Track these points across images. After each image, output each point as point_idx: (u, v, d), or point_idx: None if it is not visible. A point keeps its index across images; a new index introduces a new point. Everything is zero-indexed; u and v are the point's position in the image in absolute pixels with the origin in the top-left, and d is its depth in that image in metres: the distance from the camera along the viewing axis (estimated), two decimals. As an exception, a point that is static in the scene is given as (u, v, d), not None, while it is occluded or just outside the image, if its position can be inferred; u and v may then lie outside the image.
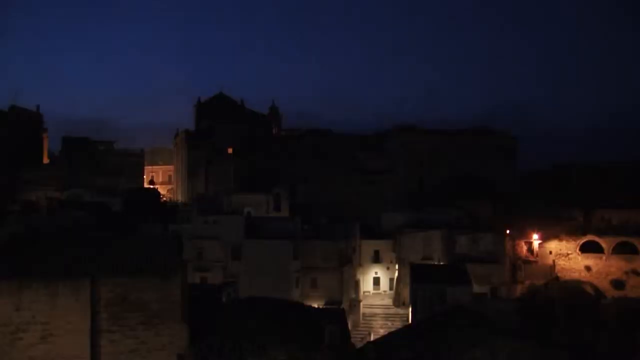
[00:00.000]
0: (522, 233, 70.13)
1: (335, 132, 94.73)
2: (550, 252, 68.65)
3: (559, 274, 66.95)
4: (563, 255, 68.05)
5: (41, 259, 23.64)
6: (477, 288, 53.72)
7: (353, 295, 60.97)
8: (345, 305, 52.96)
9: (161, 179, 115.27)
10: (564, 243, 68.39)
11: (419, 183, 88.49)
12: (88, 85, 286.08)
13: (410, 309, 53.76)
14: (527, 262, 68.25)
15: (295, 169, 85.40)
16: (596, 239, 67.57)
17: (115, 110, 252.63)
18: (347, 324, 27.13)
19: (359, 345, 27.25)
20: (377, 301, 63.74)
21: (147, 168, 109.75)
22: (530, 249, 69.70)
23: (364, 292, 65.89)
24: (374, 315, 60.15)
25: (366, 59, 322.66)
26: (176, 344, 22.66)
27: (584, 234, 69.21)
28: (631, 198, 73.37)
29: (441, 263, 60.53)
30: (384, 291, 66.37)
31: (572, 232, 70.16)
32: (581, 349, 32.37)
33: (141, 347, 22.81)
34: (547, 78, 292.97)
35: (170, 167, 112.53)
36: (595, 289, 63.62)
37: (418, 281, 51.48)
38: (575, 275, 66.41)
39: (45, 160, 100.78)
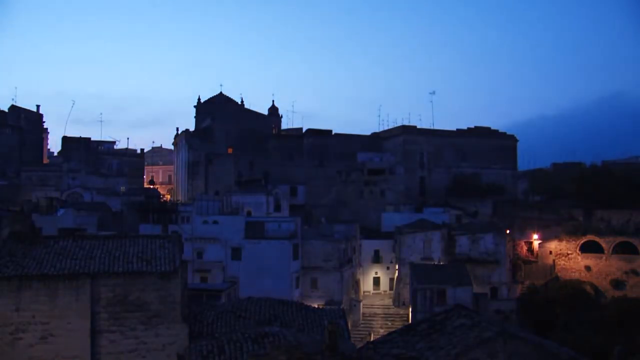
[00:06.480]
0: (522, 233, 70.17)
1: (335, 132, 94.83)
2: (550, 252, 68.63)
3: (559, 274, 66.91)
4: (563, 255, 67.97)
5: (41, 259, 23.63)
6: (477, 288, 53.78)
7: (353, 295, 60.98)
8: (345, 305, 52.96)
9: (161, 179, 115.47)
10: (564, 243, 68.31)
11: (420, 183, 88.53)
12: (88, 84, 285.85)
13: (410, 309, 53.82)
14: (527, 262, 68.27)
15: (295, 169, 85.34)
16: (596, 239, 67.48)
17: (116, 109, 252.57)
18: (347, 324, 27.06)
19: (359, 345, 27.17)
20: (377, 301, 63.76)
21: (147, 168, 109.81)
22: (530, 249, 69.71)
23: (364, 292, 65.91)
24: (374, 315, 60.17)
25: (367, 60, 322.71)
26: (176, 344, 22.66)
27: (584, 234, 69.14)
28: (631, 198, 73.25)
29: (441, 263, 60.56)
30: (384, 291, 66.41)
31: (572, 232, 70.15)
32: (581, 349, 32.34)
33: (141, 347, 22.82)
34: (547, 78, 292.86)
35: (170, 167, 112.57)
36: (595, 289, 63.63)
37: (418, 281, 51.56)
38: (575, 275, 66.33)
39: (45, 160, 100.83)
